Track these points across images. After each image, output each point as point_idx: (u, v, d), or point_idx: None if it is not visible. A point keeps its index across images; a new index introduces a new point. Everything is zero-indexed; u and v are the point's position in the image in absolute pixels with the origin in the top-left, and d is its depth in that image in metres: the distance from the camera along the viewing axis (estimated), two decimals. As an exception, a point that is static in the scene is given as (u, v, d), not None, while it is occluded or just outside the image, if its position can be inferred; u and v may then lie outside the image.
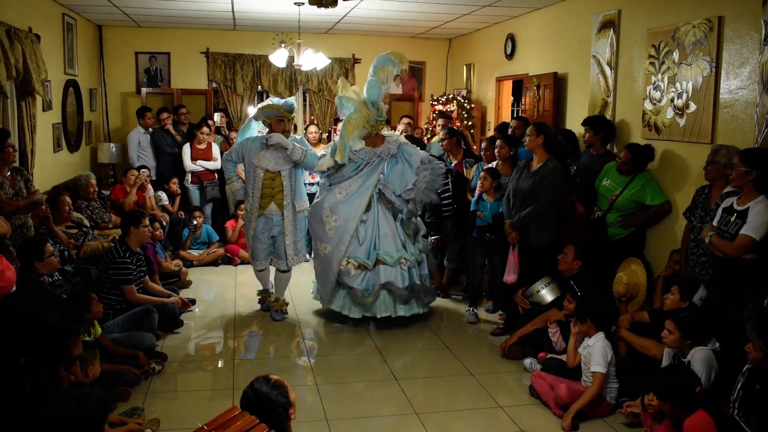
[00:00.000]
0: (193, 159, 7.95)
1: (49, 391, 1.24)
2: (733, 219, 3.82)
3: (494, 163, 5.87)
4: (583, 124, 5.71)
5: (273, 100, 5.75)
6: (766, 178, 3.77)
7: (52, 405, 1.36)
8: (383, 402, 4.26)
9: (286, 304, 5.91)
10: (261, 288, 6.08)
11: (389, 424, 3.95)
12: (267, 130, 5.74)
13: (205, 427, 2.48)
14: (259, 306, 6.06)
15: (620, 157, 5.16)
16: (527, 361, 4.73)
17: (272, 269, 5.97)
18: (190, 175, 8.00)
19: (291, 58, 8.10)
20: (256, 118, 5.75)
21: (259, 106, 5.70)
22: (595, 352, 4.00)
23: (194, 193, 8.05)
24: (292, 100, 5.77)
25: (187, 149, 7.96)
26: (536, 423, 3.97)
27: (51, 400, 1.34)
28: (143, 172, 7.49)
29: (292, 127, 5.79)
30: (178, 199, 7.98)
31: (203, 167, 8.00)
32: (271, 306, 5.86)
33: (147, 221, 5.40)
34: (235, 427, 2.47)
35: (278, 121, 5.56)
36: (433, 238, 6.33)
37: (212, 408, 3.72)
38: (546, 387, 4.17)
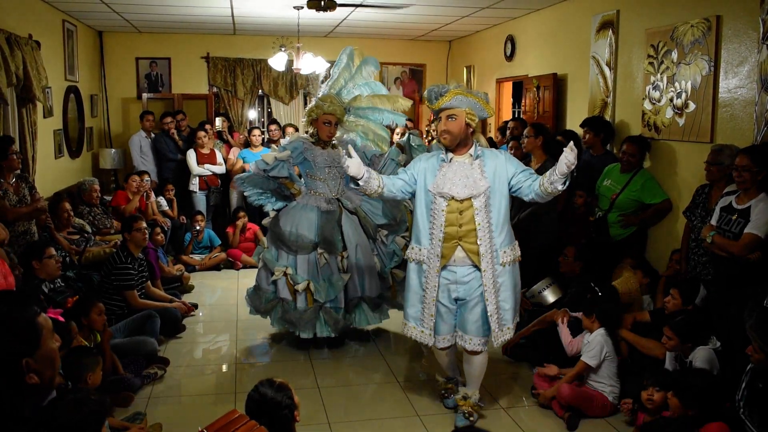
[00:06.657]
0: (199, 164, 7.97)
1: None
2: (734, 218, 3.81)
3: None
4: (583, 125, 5.71)
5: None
6: None
7: (46, 410, 1.34)
8: (385, 405, 4.25)
9: (480, 405, 3.98)
10: (445, 375, 4.27)
11: (391, 427, 3.95)
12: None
13: (205, 431, 2.48)
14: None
15: (623, 151, 5.14)
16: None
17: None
18: (197, 180, 8.01)
19: (290, 62, 8.11)
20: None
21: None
22: (592, 347, 4.01)
23: (200, 198, 8.06)
24: (439, 86, 3.66)
25: (192, 154, 7.98)
26: (538, 424, 3.97)
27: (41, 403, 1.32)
28: (146, 181, 7.46)
29: (461, 125, 3.64)
30: (175, 203, 7.98)
31: (211, 171, 8.02)
32: (459, 406, 3.95)
33: (141, 223, 5.38)
34: (235, 430, 2.47)
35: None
36: None
37: (214, 412, 3.67)
38: (548, 387, 4.16)
